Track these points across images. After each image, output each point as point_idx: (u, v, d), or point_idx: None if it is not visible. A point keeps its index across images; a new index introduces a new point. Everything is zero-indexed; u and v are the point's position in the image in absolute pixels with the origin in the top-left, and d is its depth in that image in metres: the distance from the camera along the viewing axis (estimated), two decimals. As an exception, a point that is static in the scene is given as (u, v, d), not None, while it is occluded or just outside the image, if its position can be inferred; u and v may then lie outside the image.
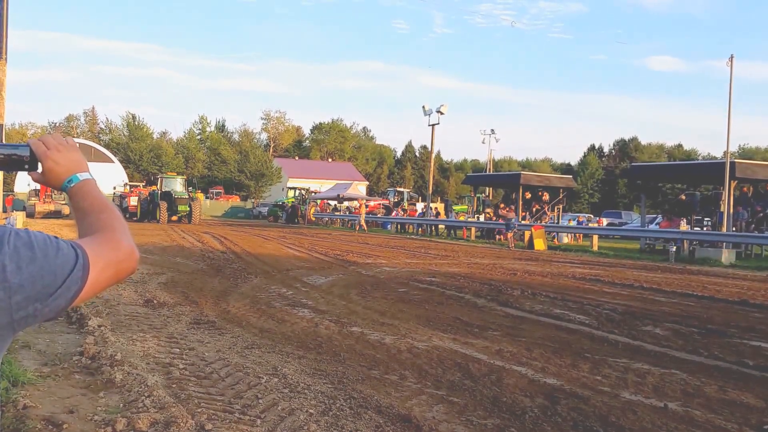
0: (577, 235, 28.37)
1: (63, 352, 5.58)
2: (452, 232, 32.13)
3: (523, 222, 28.32)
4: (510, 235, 24.22)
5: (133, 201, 37.30)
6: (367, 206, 35.88)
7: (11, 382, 4.44)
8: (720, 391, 5.21)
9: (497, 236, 28.62)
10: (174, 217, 34.03)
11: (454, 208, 42.95)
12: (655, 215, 32.71)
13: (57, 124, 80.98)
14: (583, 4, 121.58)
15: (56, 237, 1.14)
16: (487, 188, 43.54)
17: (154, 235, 22.30)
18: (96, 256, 1.16)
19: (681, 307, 9.74)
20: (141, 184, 46.82)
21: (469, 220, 34.10)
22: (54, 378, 4.82)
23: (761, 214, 23.34)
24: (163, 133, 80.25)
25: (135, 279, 10.58)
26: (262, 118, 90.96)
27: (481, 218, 33.19)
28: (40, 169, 1.33)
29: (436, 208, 38.76)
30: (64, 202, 35.47)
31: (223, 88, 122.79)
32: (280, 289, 10.31)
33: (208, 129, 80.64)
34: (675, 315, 8.85)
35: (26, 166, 1.32)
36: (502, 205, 34.77)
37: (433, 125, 34.28)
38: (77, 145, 1.39)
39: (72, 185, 1.33)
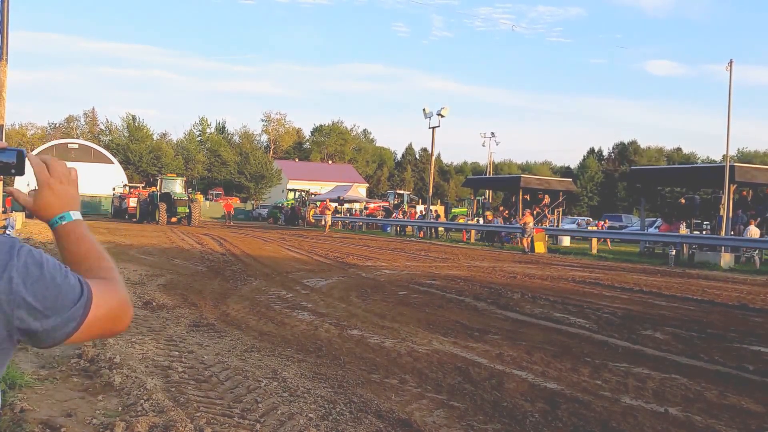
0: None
1: (61, 354, 5.55)
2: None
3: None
4: (526, 240, 24.56)
5: (133, 202, 37.37)
6: (329, 208, 36.09)
7: (8, 385, 4.42)
8: (720, 396, 5.20)
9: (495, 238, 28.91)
10: (173, 219, 34.04)
11: (453, 210, 42.93)
12: (654, 218, 32.70)
13: (57, 125, 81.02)
14: (582, 8, 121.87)
15: (67, 267, 1.13)
16: (487, 191, 43.54)
17: (153, 237, 22.30)
18: (99, 299, 1.14)
19: (681, 311, 9.73)
20: (140, 186, 46.82)
21: (469, 222, 34.08)
22: (52, 381, 4.79)
23: (759, 218, 23.30)
24: (163, 134, 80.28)
25: (134, 281, 10.57)
26: (262, 120, 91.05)
27: (481, 221, 33.19)
28: (27, 173, 1.28)
29: (436, 210, 38.75)
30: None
31: (223, 90, 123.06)
32: (280, 292, 10.28)
33: (208, 130, 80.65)
34: (675, 319, 8.85)
35: (13, 171, 1.26)
36: (501, 208, 34.81)
37: (433, 128, 34.28)
38: (77, 178, 1.32)
39: (63, 222, 1.25)
